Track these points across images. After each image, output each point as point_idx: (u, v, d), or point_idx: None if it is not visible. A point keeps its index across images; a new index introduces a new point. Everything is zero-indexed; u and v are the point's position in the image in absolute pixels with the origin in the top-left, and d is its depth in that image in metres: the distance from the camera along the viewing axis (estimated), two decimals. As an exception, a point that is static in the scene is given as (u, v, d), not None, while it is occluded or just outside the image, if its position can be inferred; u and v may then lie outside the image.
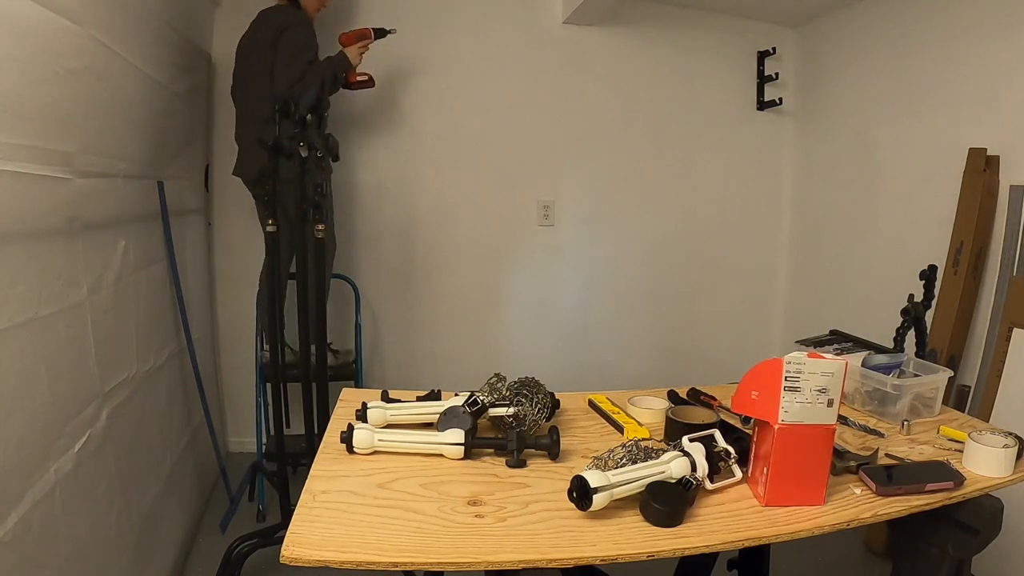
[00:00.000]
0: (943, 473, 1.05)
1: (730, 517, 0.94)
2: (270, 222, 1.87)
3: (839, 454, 1.08)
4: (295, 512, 0.88)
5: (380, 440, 1.07)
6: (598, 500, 0.88)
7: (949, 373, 1.39)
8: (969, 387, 2.14)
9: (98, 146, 1.50)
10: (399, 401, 1.24)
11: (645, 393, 1.42)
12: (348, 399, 1.33)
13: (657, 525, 0.89)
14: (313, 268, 1.90)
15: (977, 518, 1.10)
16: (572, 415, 1.32)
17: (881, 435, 1.26)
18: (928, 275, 1.73)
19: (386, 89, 2.77)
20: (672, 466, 0.97)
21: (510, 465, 1.06)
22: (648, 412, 1.30)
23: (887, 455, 1.16)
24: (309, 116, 1.79)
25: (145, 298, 1.84)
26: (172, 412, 2.05)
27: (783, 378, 0.94)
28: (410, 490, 0.97)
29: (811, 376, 0.94)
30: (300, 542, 0.81)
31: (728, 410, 1.30)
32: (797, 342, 1.63)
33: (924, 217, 2.45)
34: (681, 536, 0.88)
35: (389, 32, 2.34)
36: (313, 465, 1.04)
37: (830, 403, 0.95)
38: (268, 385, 2.47)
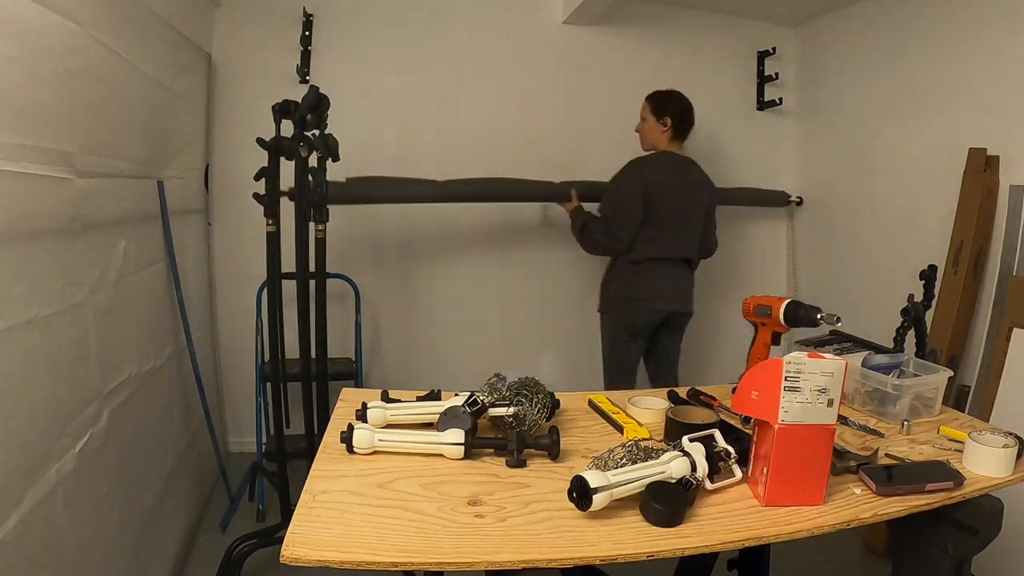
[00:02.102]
0: (943, 473, 1.05)
1: (730, 517, 0.94)
2: (269, 222, 1.87)
3: (839, 454, 1.08)
4: (295, 512, 0.88)
5: (380, 440, 1.07)
6: (598, 500, 0.88)
7: (949, 373, 1.39)
8: (969, 387, 2.14)
9: (98, 146, 1.50)
10: (399, 401, 1.24)
11: (645, 393, 1.42)
12: (348, 399, 1.33)
13: (657, 525, 0.89)
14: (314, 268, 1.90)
15: (977, 518, 1.10)
16: (572, 415, 1.32)
17: (881, 435, 1.26)
18: (928, 275, 1.73)
19: (386, 88, 2.77)
20: (672, 466, 0.97)
21: (510, 465, 1.06)
22: (648, 412, 1.30)
23: (887, 455, 1.16)
24: (309, 116, 1.79)
25: (145, 298, 1.84)
26: (172, 412, 2.05)
27: (783, 378, 0.94)
28: (410, 490, 0.97)
29: (811, 376, 0.94)
30: (300, 542, 0.81)
31: (728, 410, 1.30)
32: (797, 342, 1.63)
33: (924, 217, 2.45)
34: (681, 536, 0.88)
35: (823, 319, 1.31)
36: (313, 465, 1.04)
37: (830, 403, 0.95)
38: (268, 385, 2.48)
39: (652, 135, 2.43)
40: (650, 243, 2.36)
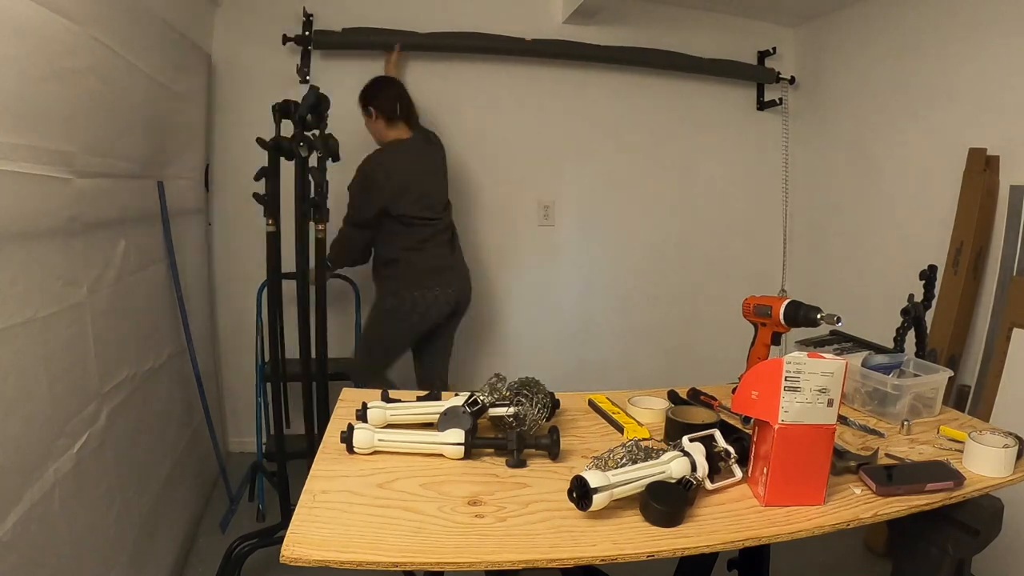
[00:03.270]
0: (943, 473, 1.05)
1: (730, 517, 0.94)
2: (269, 222, 1.87)
3: (839, 454, 1.08)
4: (295, 512, 0.88)
5: (380, 440, 1.07)
6: (598, 500, 0.88)
7: (949, 373, 1.39)
8: (969, 387, 2.14)
9: (98, 146, 1.49)
10: (399, 401, 1.24)
11: (645, 393, 1.42)
12: (348, 399, 1.33)
13: (657, 525, 0.89)
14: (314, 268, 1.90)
15: (977, 518, 1.10)
16: (572, 415, 1.32)
17: (881, 435, 1.26)
18: (928, 275, 1.73)
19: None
20: (672, 466, 0.97)
21: (510, 465, 1.06)
22: (648, 412, 1.30)
23: (887, 455, 1.16)
24: (309, 116, 1.79)
25: (145, 298, 1.84)
26: (172, 412, 2.05)
27: (783, 378, 0.94)
28: (410, 490, 0.97)
29: (811, 376, 0.94)
30: (300, 542, 0.81)
31: (728, 410, 1.30)
32: (797, 342, 1.63)
33: (924, 217, 2.45)
34: (681, 536, 0.88)
35: (823, 319, 1.31)
36: (313, 465, 1.04)
37: (830, 403, 0.95)
38: (268, 385, 2.48)
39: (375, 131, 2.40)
40: None
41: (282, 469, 2.01)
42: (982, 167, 2.17)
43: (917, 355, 1.63)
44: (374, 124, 2.37)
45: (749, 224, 3.30)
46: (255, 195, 1.84)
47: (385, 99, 2.35)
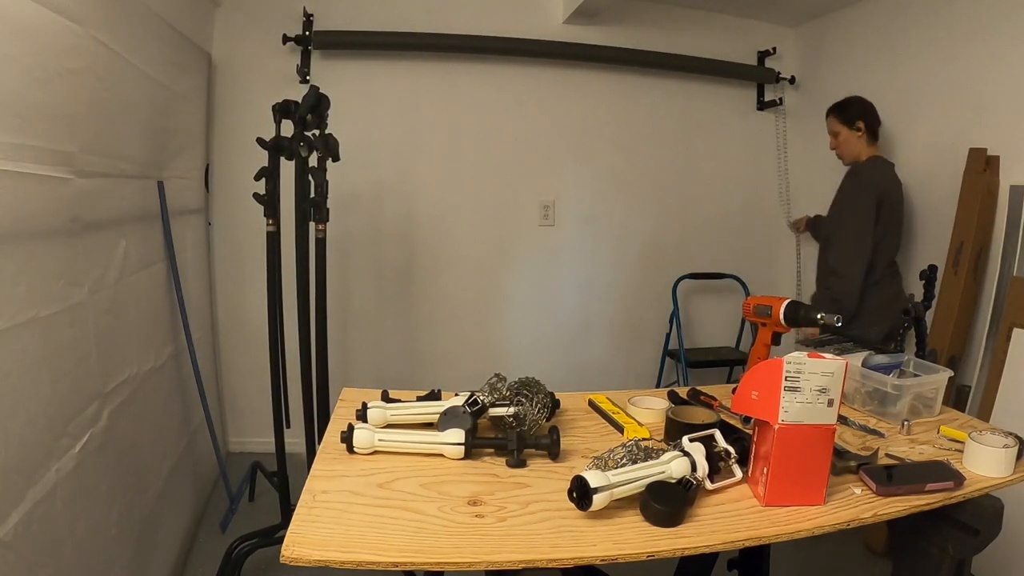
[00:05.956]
0: (943, 473, 1.05)
1: (730, 517, 0.94)
2: (269, 222, 1.87)
3: (839, 454, 1.08)
4: (295, 512, 0.88)
5: (380, 440, 1.07)
6: (598, 500, 0.88)
7: (949, 373, 1.39)
8: (969, 387, 2.14)
9: (98, 146, 1.50)
10: (399, 401, 1.24)
11: (645, 393, 1.42)
12: (348, 399, 1.33)
13: (657, 525, 0.89)
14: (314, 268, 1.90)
15: (977, 518, 1.10)
16: (572, 415, 1.32)
17: (881, 435, 1.26)
18: (928, 275, 1.73)
19: (386, 89, 2.77)
20: (672, 466, 0.97)
21: (510, 465, 1.06)
22: (648, 412, 1.30)
23: (887, 455, 1.16)
24: (309, 116, 1.79)
25: (145, 298, 1.84)
26: (172, 412, 2.05)
27: (783, 378, 0.94)
28: (410, 490, 0.97)
29: (811, 376, 0.94)
30: (300, 542, 0.81)
31: (728, 410, 1.30)
32: (797, 342, 1.63)
33: (924, 217, 2.45)
34: (681, 536, 0.88)
35: (823, 319, 1.35)
36: (313, 465, 1.04)
37: (830, 403, 0.95)
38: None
39: (851, 145, 2.37)
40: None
41: (282, 469, 2.01)
42: (982, 167, 2.17)
43: (917, 355, 1.64)
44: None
45: (748, 224, 3.30)
46: (255, 195, 1.84)
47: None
